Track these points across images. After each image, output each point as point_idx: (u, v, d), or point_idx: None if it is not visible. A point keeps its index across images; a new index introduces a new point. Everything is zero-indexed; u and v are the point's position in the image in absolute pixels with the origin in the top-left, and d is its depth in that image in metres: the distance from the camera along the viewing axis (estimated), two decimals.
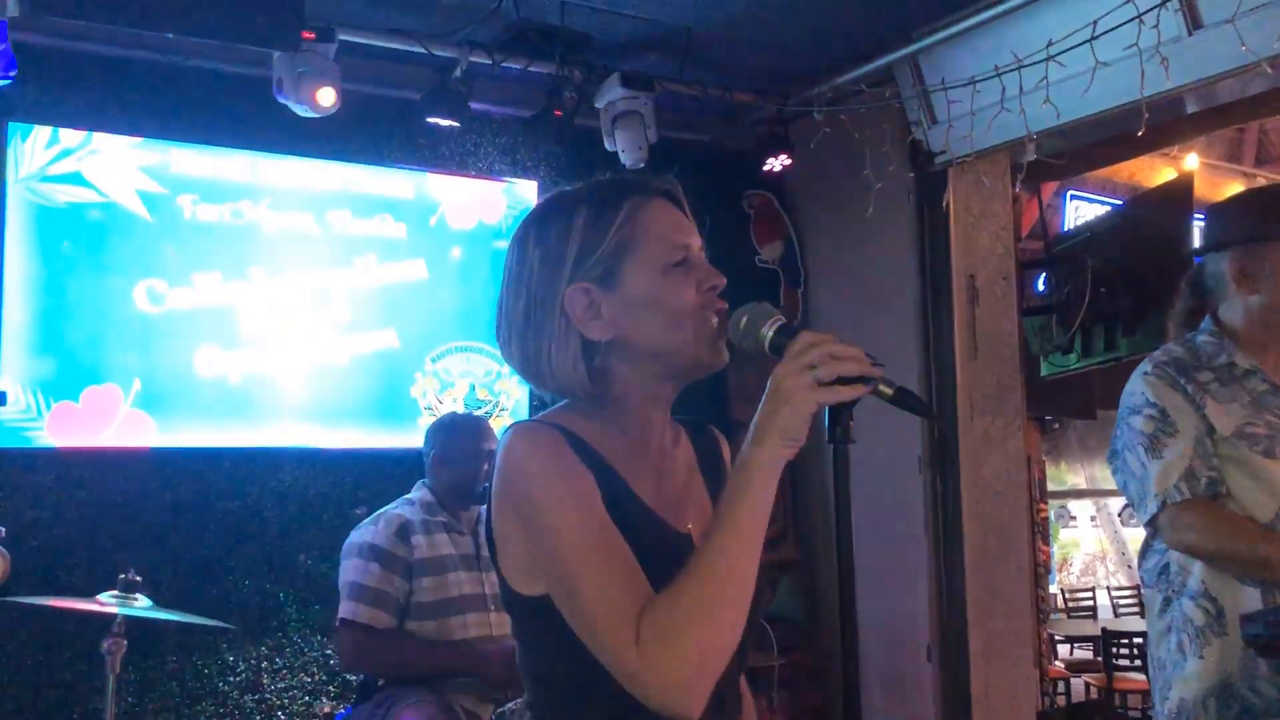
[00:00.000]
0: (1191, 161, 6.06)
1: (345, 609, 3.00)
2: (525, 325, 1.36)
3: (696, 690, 1.17)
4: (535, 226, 1.38)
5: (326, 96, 3.62)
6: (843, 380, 1.17)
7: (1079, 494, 12.73)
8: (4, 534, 2.77)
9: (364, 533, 3.09)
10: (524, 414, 4.47)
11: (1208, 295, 2.27)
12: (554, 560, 1.24)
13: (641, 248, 1.34)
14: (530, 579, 1.29)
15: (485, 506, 3.33)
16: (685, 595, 1.17)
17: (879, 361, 1.19)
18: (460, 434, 3.23)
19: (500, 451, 1.29)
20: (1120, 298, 5.06)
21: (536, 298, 1.35)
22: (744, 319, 1.30)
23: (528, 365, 1.37)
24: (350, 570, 3.03)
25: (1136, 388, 2.20)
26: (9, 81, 3.07)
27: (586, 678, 1.22)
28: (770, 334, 1.27)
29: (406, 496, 3.21)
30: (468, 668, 2.98)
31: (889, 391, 1.20)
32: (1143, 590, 2.32)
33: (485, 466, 3.18)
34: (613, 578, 1.21)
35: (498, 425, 4.40)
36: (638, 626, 1.17)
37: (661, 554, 1.24)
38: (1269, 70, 3.07)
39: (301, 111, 3.66)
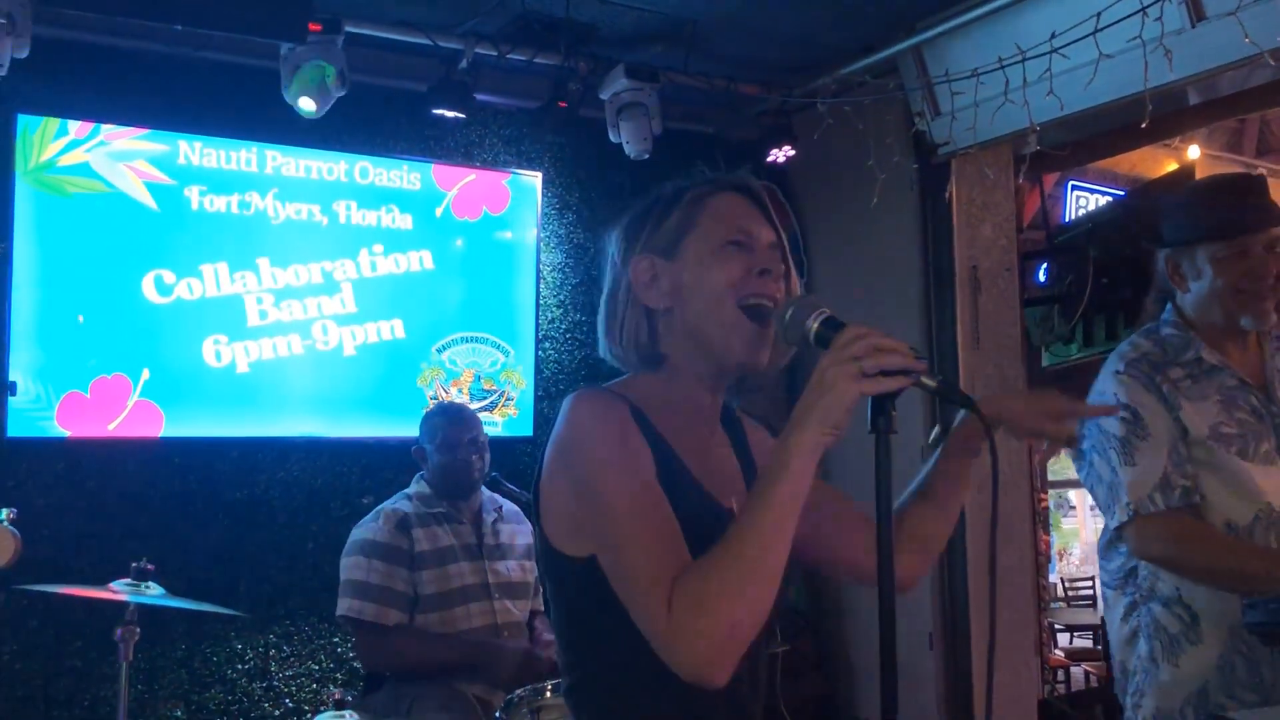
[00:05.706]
0: (1193, 152, 6.05)
1: (349, 606, 3.01)
2: (607, 299, 1.48)
3: (723, 660, 1.20)
4: (625, 218, 1.51)
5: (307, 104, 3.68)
6: (885, 373, 1.20)
7: (1078, 484, 12.75)
8: (15, 515, 2.78)
9: (364, 530, 3.10)
10: (529, 404, 4.49)
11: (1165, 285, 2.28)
12: (603, 522, 1.29)
13: (703, 225, 1.43)
14: (577, 539, 1.34)
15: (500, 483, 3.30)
16: (718, 568, 1.21)
17: (922, 355, 1.22)
18: (446, 424, 3.26)
19: (564, 412, 1.36)
20: (1121, 288, 5.08)
21: (614, 274, 1.47)
22: (789, 311, 1.31)
23: (605, 334, 1.48)
24: (353, 569, 3.04)
25: (1108, 387, 2.15)
26: None
27: (627, 642, 1.26)
28: (815, 326, 1.28)
29: (404, 491, 3.23)
30: (479, 665, 2.99)
31: (932, 384, 1.23)
32: (1104, 590, 2.26)
33: (474, 456, 3.20)
34: (655, 543, 1.26)
35: (503, 415, 4.43)
36: (671, 593, 1.21)
37: (706, 526, 1.29)
38: (1271, 62, 3.09)
39: (303, 112, 3.69)
